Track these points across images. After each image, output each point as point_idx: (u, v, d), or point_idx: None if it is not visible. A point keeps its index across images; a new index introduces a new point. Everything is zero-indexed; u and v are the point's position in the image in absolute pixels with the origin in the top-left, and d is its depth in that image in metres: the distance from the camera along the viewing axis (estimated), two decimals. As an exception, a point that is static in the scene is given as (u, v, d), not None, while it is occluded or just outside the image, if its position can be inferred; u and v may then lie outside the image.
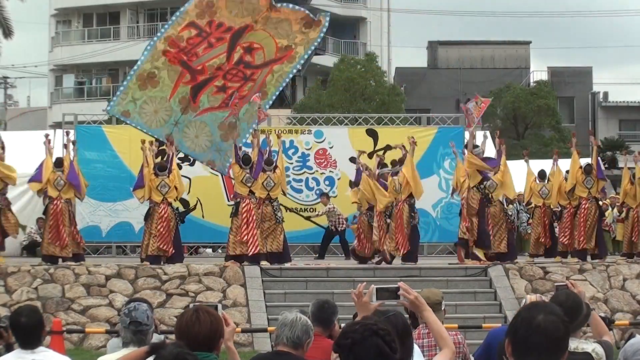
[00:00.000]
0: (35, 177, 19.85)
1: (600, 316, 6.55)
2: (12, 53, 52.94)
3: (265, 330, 16.81)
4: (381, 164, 21.51)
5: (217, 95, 20.67)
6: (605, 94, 56.24)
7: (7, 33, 35.95)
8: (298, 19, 20.44)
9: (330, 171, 24.30)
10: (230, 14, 20.28)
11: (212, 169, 21.86)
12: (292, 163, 23.99)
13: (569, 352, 3.78)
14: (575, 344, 5.68)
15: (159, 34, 20.71)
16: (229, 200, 22.86)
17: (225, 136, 20.77)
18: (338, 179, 24.12)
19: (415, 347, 5.92)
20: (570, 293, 5.90)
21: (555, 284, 6.55)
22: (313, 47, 20.82)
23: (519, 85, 50.45)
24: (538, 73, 56.02)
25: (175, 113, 20.37)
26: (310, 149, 24.20)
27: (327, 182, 24.19)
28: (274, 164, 20.06)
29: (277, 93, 21.02)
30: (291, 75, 21.22)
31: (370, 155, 23.71)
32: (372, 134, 24.45)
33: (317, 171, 24.29)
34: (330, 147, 24.26)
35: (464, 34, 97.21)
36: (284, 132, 23.77)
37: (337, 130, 24.86)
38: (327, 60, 51.23)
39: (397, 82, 50.73)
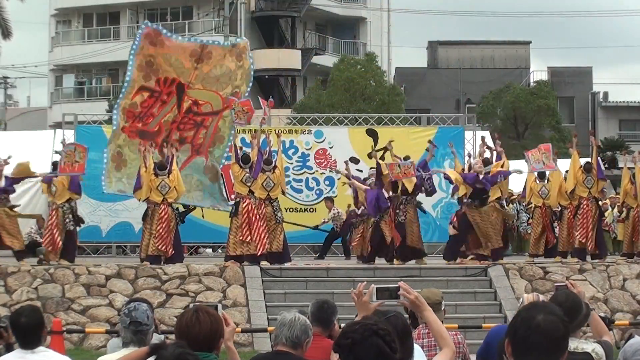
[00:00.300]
0: (47, 179, 19.92)
1: (600, 316, 6.54)
2: (12, 53, 52.89)
3: (265, 330, 16.81)
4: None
5: (182, 147, 20.97)
6: (605, 94, 56.25)
7: (6, 34, 35.92)
8: (227, 54, 20.64)
9: (330, 171, 24.30)
10: (170, 67, 20.54)
11: (217, 210, 22.09)
12: (292, 163, 24.00)
13: (568, 352, 3.78)
14: (575, 344, 5.68)
15: (115, 111, 21.00)
16: (229, 201, 22.86)
17: (213, 178, 21.30)
18: (338, 179, 24.11)
19: (417, 347, 5.92)
20: (569, 293, 5.90)
21: (555, 284, 6.55)
22: (252, 75, 20.99)
23: (519, 85, 50.45)
24: (538, 73, 56.07)
25: None
26: (310, 149, 24.20)
27: (327, 182, 24.21)
28: (273, 164, 20.03)
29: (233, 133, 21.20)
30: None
31: (369, 156, 23.74)
32: (372, 134, 24.46)
33: (317, 171, 24.30)
34: (330, 147, 24.26)
35: (464, 34, 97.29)
36: (284, 132, 23.77)
37: (337, 130, 24.87)
38: (327, 60, 51.26)
39: (397, 82, 50.74)
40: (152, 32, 20.41)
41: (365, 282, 5.63)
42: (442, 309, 7.67)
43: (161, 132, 20.82)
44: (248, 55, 20.84)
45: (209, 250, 26.60)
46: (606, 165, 31.08)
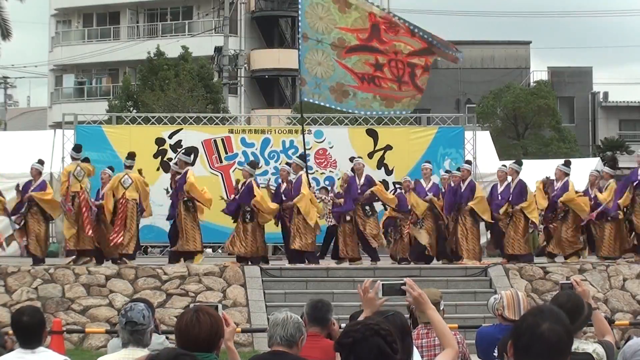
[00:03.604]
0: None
1: (600, 316, 6.53)
2: (12, 53, 52.93)
3: (265, 330, 16.71)
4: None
5: (367, 66, 21.67)
6: (605, 94, 56.27)
7: (6, 35, 35.89)
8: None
9: (330, 171, 24.28)
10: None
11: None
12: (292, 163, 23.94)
13: (568, 352, 3.77)
14: (576, 345, 5.67)
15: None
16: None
17: (333, 90, 22.18)
18: (338, 179, 24.06)
19: (414, 347, 5.91)
20: (571, 294, 5.87)
21: (560, 282, 6.53)
22: None
23: (519, 85, 50.44)
24: (538, 73, 56.09)
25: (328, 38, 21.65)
26: (310, 149, 24.16)
27: (327, 182, 24.15)
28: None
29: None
30: None
31: (370, 156, 23.74)
32: (372, 134, 24.43)
33: (317, 171, 24.25)
34: (330, 147, 24.24)
35: (464, 34, 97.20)
36: (284, 132, 23.69)
37: (337, 130, 24.84)
38: (327, 60, 51.18)
39: (397, 82, 50.64)
40: None
41: (371, 279, 5.65)
42: (441, 309, 7.66)
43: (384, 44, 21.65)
44: None
45: (209, 250, 26.54)
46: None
